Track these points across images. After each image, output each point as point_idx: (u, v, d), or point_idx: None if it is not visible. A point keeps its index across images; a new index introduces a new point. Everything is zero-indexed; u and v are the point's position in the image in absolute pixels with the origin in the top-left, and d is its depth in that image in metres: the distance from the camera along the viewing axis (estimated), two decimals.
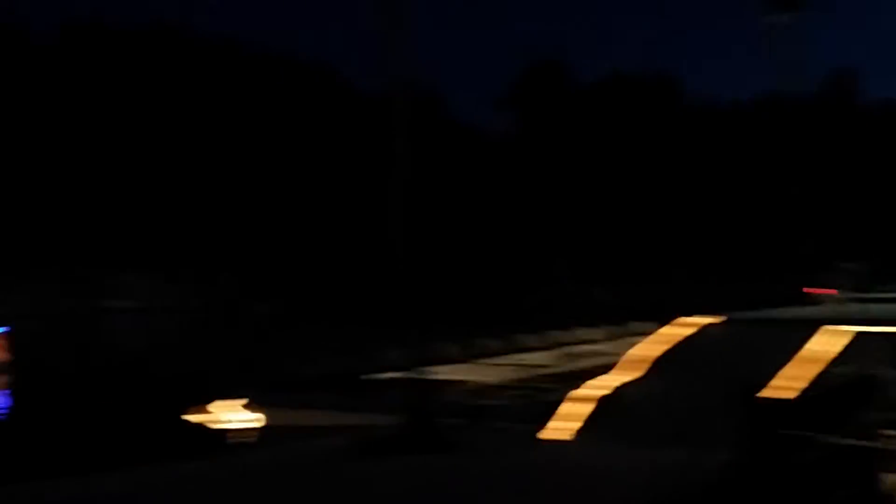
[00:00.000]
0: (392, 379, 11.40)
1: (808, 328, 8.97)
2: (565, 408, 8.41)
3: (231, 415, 11.46)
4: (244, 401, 11.60)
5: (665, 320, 9.84)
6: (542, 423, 8.28)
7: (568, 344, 18.37)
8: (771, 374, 8.06)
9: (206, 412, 11.61)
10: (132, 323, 43.38)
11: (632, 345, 9.68)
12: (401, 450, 7.43)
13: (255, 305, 45.54)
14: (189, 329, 36.17)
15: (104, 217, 49.29)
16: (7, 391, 16.68)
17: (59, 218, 48.64)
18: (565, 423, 8.22)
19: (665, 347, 9.24)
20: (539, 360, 15.98)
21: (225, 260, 50.46)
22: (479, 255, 53.64)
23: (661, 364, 8.99)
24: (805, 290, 16.98)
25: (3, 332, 19.27)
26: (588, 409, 8.30)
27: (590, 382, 8.84)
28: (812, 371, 8.28)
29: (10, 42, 48.00)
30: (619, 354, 9.51)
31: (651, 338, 9.56)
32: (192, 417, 11.48)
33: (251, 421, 11.40)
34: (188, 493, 6.82)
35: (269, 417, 11.44)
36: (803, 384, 8.04)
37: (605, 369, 9.24)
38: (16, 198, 47.41)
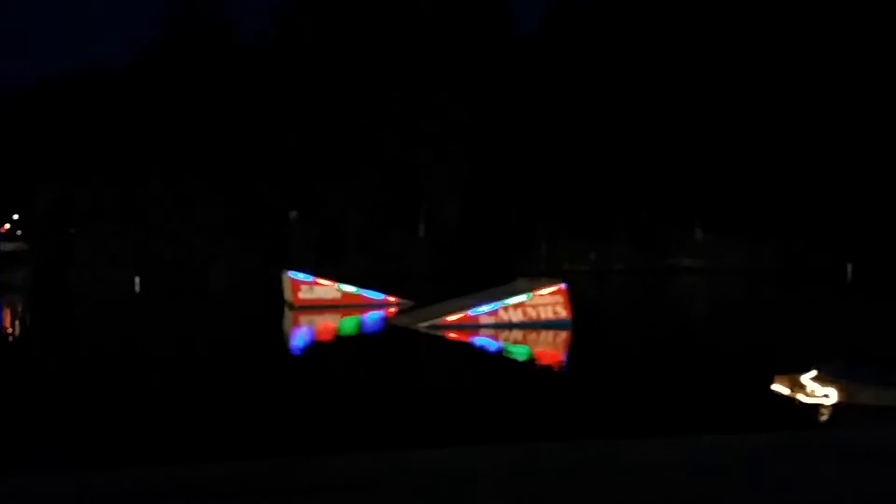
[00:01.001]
0: None
1: None
2: None
3: (808, 387, 11.10)
4: (812, 373, 11.18)
5: None
6: None
7: None
8: None
9: (782, 382, 11.39)
10: (697, 283, 44.20)
11: None
12: None
13: (828, 269, 43.17)
14: (756, 291, 35.69)
15: (679, 176, 50.63)
16: (568, 352, 17.85)
17: (633, 175, 51.08)
18: None
19: None
20: None
21: (793, 220, 48.95)
22: None
23: None
24: None
25: (563, 289, 20.61)
26: None
27: None
28: None
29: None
30: None
31: None
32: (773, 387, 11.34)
33: (822, 396, 11.00)
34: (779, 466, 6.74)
35: (846, 394, 10.93)
36: None
37: None
38: (591, 157, 50.93)
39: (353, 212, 50.46)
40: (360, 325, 23.15)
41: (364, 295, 27.01)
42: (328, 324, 23.56)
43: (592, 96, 51.02)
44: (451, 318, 20.44)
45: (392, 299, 26.80)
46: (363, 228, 50.40)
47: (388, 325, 22.21)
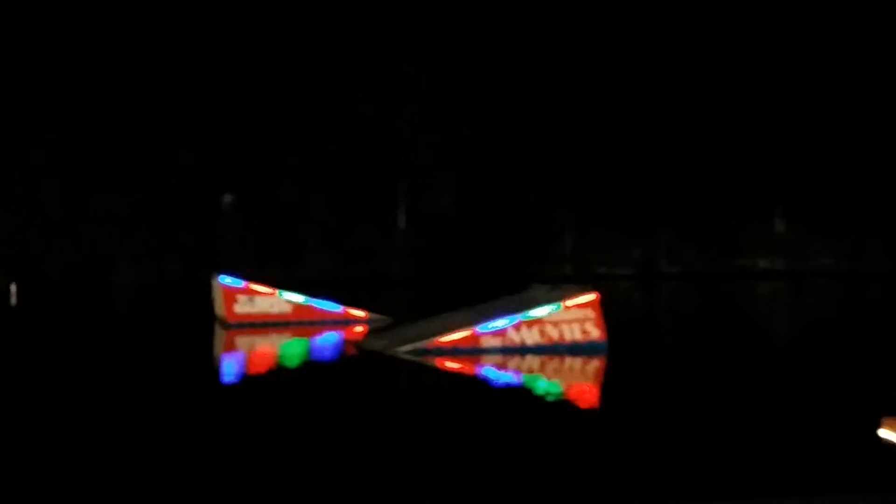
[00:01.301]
0: None
1: None
2: None
3: None
4: None
5: None
6: None
7: None
8: None
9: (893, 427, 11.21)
10: (778, 291, 44.11)
11: None
12: None
13: None
14: (857, 302, 35.72)
15: (754, 147, 50.69)
16: None
17: (692, 145, 51.07)
18: None
19: None
20: None
21: None
22: None
23: None
24: None
25: (596, 300, 20.62)
26: None
27: None
28: None
29: None
30: None
31: None
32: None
33: None
34: None
35: None
36: None
37: None
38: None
39: (310, 195, 50.41)
40: (317, 349, 23.00)
41: (323, 309, 26.99)
42: (272, 349, 23.33)
43: (643, 33, 50.87)
44: (443, 339, 20.33)
45: (361, 314, 26.78)
46: (323, 218, 50.33)
47: (355, 350, 22.11)
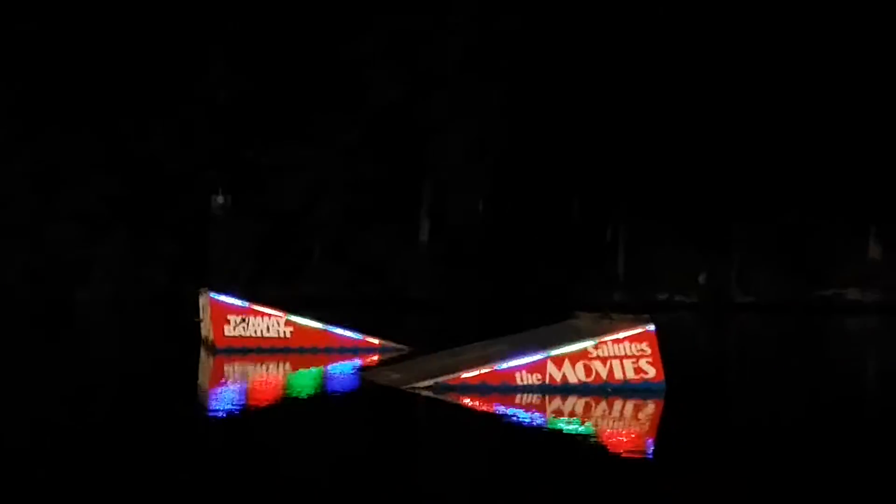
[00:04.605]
0: None
1: None
2: None
3: None
4: None
5: None
6: None
7: None
8: None
9: None
10: (871, 327, 43.89)
11: None
12: None
13: None
14: None
15: (844, 157, 50.63)
16: None
17: (770, 153, 51.01)
18: None
19: None
20: None
21: None
22: None
23: None
24: None
25: (652, 332, 20.62)
26: None
27: None
28: None
29: None
30: None
31: None
32: None
33: None
34: None
35: None
36: None
37: None
38: None
39: (316, 198, 50.49)
40: (322, 382, 23.07)
41: (330, 333, 27.07)
42: (269, 379, 23.35)
43: (713, 20, 50.91)
44: (468, 374, 20.36)
45: (374, 342, 26.90)
46: (332, 225, 50.41)
47: (366, 384, 22.15)
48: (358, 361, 25.08)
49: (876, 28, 50.92)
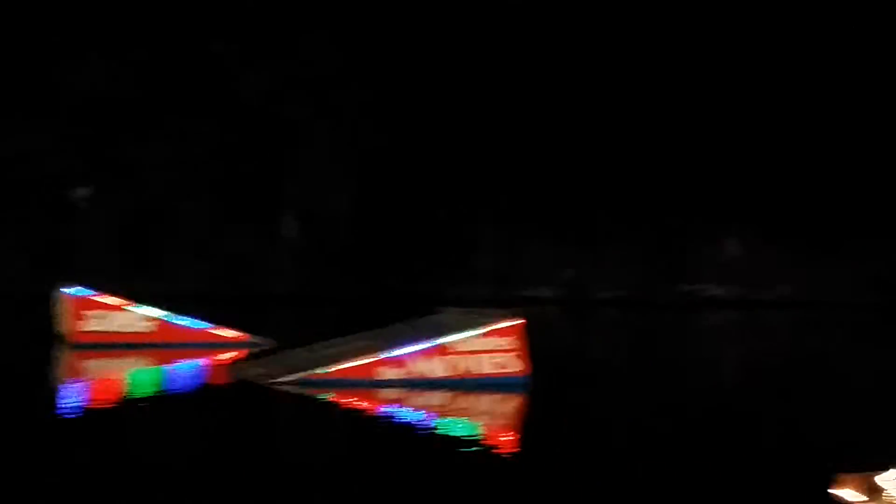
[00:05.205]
0: None
1: None
2: None
3: (886, 491, 11.20)
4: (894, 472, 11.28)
5: None
6: None
7: None
8: None
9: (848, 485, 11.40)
10: (733, 324, 44.65)
11: None
12: None
13: None
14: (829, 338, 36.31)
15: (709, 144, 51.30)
16: None
17: (637, 144, 51.55)
18: None
19: None
20: None
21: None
22: None
23: None
24: None
25: (518, 326, 20.74)
26: None
27: None
28: None
29: None
30: None
31: None
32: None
33: None
34: None
35: None
36: None
37: None
38: None
39: (179, 191, 50.15)
40: (183, 378, 22.81)
41: (192, 328, 26.95)
42: (123, 376, 23.16)
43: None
44: (332, 369, 20.30)
45: (238, 336, 26.78)
46: (197, 221, 50.09)
47: (230, 379, 22.06)
48: (222, 356, 24.93)
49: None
